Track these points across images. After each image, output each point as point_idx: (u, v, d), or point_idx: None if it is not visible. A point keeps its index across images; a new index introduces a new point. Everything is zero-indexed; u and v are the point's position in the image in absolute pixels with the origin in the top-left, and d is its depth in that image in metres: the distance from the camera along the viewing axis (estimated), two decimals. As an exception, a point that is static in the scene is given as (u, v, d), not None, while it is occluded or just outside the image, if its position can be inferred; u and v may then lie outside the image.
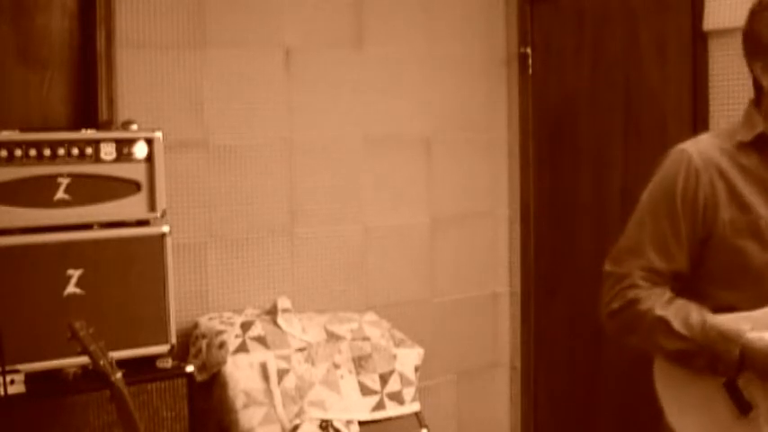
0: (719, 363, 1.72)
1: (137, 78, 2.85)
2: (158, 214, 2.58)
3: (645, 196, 1.88)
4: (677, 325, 1.75)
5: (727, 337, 1.71)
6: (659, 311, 1.78)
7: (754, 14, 1.80)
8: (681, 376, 1.79)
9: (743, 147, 1.80)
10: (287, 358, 2.80)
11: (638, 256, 1.82)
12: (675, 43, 3.07)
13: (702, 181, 1.78)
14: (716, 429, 1.75)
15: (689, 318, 1.76)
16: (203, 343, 2.81)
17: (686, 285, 1.83)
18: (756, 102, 1.84)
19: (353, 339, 2.96)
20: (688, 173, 1.79)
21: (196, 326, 2.89)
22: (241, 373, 2.70)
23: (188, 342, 2.88)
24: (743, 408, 1.73)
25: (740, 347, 1.70)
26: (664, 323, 1.77)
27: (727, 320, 1.74)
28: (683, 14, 3.01)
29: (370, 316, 3.16)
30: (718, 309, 1.77)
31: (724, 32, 2.85)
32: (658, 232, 1.81)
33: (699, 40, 2.94)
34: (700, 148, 1.83)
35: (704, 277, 1.82)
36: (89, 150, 2.47)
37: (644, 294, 1.80)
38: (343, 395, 2.84)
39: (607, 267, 1.88)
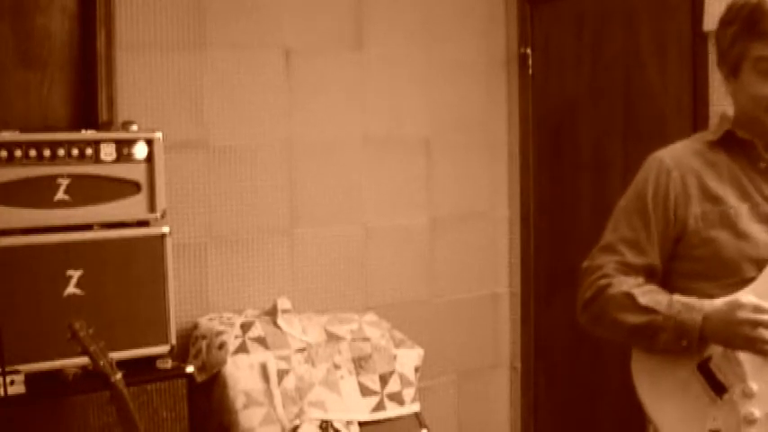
0: (683, 333, 1.74)
1: (137, 79, 2.85)
2: (158, 215, 2.58)
3: (620, 202, 1.96)
4: (643, 300, 1.80)
5: (691, 307, 1.76)
6: (626, 289, 1.83)
7: (718, 27, 1.90)
8: (655, 364, 1.81)
9: (712, 146, 1.91)
10: (287, 359, 2.80)
11: (612, 253, 1.89)
12: (675, 43, 3.07)
13: (673, 178, 1.87)
14: (693, 414, 1.76)
15: (656, 295, 1.81)
16: (203, 343, 2.81)
17: (664, 284, 1.88)
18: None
19: (353, 340, 2.96)
20: (659, 173, 1.89)
21: (196, 326, 2.89)
22: (241, 374, 2.70)
23: (188, 343, 2.88)
24: (718, 390, 1.75)
25: (703, 315, 1.74)
26: (629, 298, 1.81)
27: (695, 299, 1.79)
28: (683, 15, 3.01)
29: (370, 316, 3.16)
30: None
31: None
32: (631, 230, 1.89)
33: (699, 41, 2.94)
34: (671, 151, 1.95)
35: (681, 273, 1.88)
36: (89, 151, 2.47)
37: (615, 281, 1.86)
38: (343, 396, 2.84)
39: (583, 265, 1.94)
